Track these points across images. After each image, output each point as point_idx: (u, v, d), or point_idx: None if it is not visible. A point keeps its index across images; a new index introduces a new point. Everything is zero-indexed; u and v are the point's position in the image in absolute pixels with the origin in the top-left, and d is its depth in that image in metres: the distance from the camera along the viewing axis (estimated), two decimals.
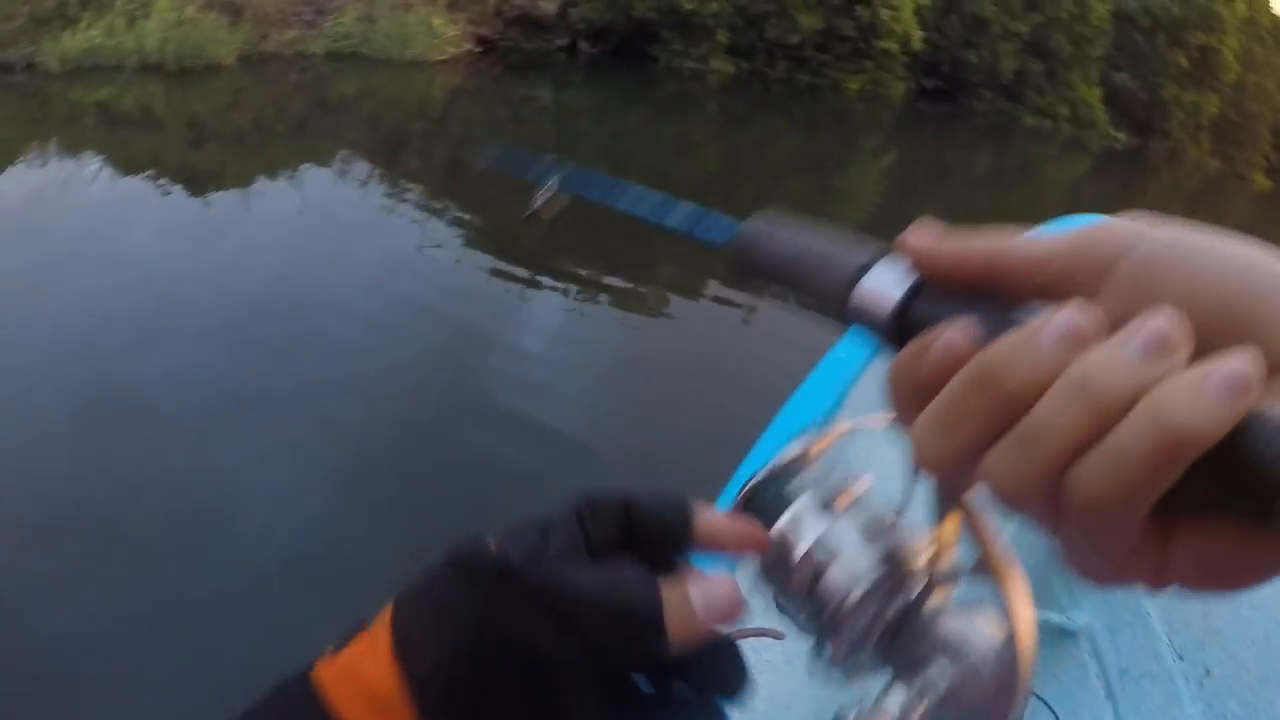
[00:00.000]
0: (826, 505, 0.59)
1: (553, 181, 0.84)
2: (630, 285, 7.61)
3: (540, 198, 0.83)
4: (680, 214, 0.65)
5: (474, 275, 7.45)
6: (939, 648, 0.57)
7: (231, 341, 5.77)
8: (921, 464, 0.38)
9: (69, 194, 8.89)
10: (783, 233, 0.53)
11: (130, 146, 10.95)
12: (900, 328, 0.43)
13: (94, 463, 4.39)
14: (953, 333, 0.38)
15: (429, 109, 15.08)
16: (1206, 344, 0.33)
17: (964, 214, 14.26)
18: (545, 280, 7.34)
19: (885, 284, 0.44)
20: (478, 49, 18.68)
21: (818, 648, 0.58)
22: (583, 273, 7.71)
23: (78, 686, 3.14)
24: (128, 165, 9.98)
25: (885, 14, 22.55)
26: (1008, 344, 0.35)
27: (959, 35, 26.09)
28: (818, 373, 2.07)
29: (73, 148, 10.53)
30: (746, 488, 0.63)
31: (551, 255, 8.00)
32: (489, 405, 5.17)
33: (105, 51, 13.70)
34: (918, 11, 23.50)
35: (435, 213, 9.06)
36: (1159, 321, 0.33)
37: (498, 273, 7.49)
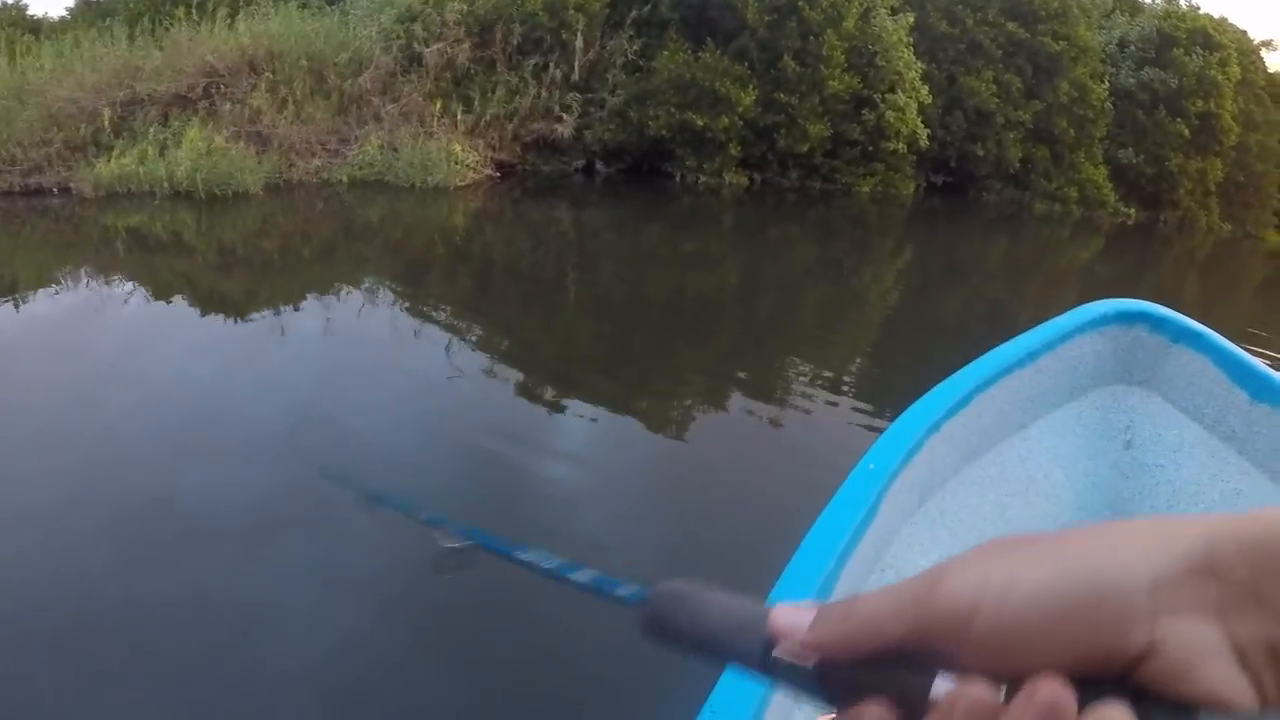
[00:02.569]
0: None
1: (457, 534, 0.82)
2: (655, 406, 7.61)
3: (450, 549, 0.84)
4: (586, 575, 0.65)
5: (500, 393, 7.44)
6: None
7: (262, 460, 5.80)
8: None
9: (102, 315, 9.01)
10: (689, 603, 0.56)
11: (162, 270, 11.13)
12: (823, 692, 0.49)
13: (127, 575, 4.40)
14: (873, 715, 0.46)
15: (451, 234, 15.22)
16: (1080, 659, 0.42)
17: (984, 305, 14.34)
18: (571, 402, 7.37)
19: (796, 655, 0.50)
20: (497, 174, 18.98)
21: None
22: (608, 388, 7.76)
23: None
24: (159, 289, 10.15)
25: (891, 116, 22.90)
26: None
27: (964, 130, 26.41)
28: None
29: (105, 270, 10.72)
30: None
31: (575, 376, 8.09)
32: (524, 523, 5.16)
33: (137, 178, 14.00)
34: (921, 110, 23.81)
35: (461, 334, 9.15)
36: (1041, 700, 0.40)
37: (524, 390, 7.53)
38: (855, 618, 0.48)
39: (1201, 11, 32.58)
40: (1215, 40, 30.85)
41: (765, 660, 0.50)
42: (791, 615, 0.50)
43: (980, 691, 0.43)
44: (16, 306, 9.18)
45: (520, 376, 7.87)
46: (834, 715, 0.49)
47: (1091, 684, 0.41)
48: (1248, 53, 32.49)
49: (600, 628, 3.79)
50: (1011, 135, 27.20)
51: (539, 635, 4.08)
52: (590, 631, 3.91)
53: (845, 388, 8.26)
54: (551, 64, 20.04)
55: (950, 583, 0.46)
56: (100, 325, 8.65)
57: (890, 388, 8.52)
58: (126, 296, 9.68)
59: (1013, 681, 0.42)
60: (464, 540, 0.81)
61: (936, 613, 0.45)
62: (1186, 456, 3.17)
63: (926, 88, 24.22)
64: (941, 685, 0.44)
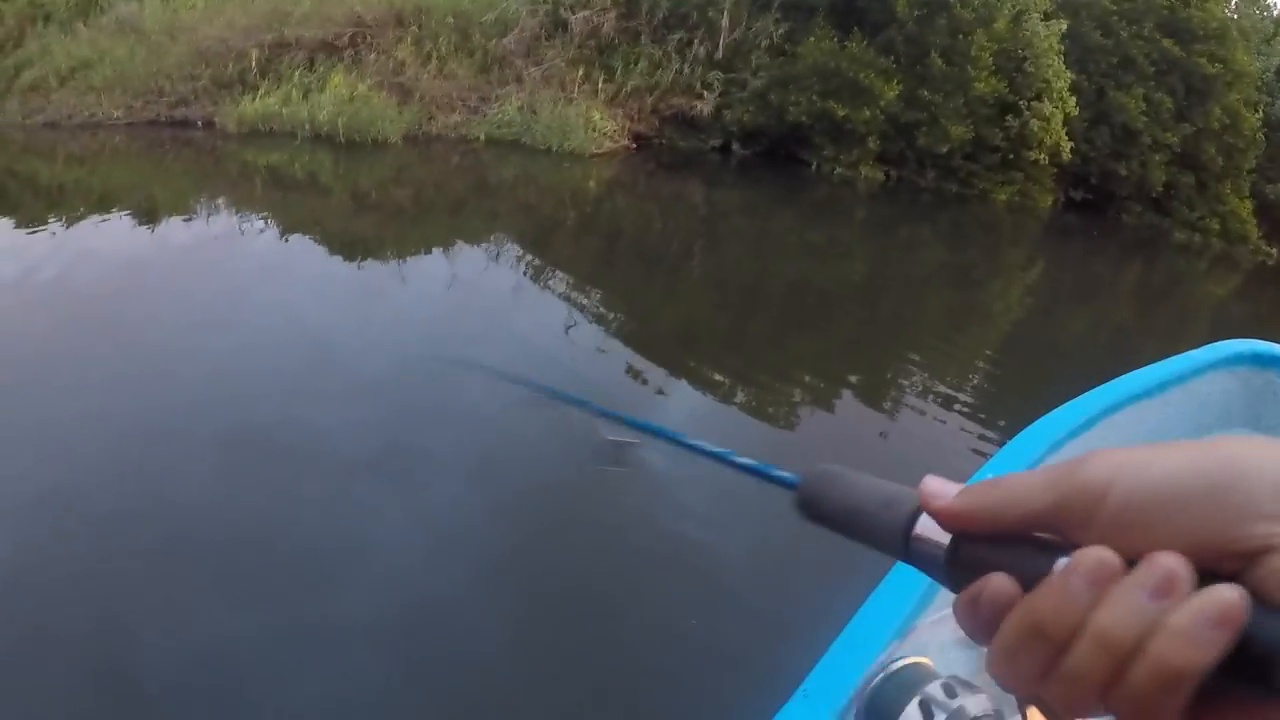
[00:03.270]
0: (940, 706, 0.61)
1: (624, 426, 0.85)
2: (766, 393, 7.45)
3: (613, 441, 0.84)
4: (746, 460, 0.68)
5: (608, 361, 7.36)
6: None
7: (373, 402, 5.80)
8: (997, 683, 0.48)
9: (235, 246, 9.14)
10: (839, 484, 0.59)
11: (295, 208, 11.23)
12: (952, 573, 0.52)
13: (228, 496, 4.50)
14: (995, 586, 0.48)
15: (582, 200, 15.16)
16: (1200, 545, 0.43)
17: (1110, 329, 13.91)
18: (680, 381, 7.22)
19: (932, 532, 0.52)
20: (633, 145, 18.87)
21: None
22: (718, 374, 7.59)
23: (189, 693, 3.31)
24: (291, 225, 10.23)
25: (1035, 125, 22.24)
26: (1044, 596, 0.46)
27: (1108, 146, 25.51)
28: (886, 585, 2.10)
29: (241, 204, 10.84)
30: (868, 688, 0.61)
31: (689, 355, 7.97)
32: (616, 498, 5.08)
33: (280, 118, 14.17)
34: (1067, 122, 23.08)
35: (580, 298, 9.05)
36: (1160, 568, 0.43)
37: (632, 362, 7.36)
38: (999, 490, 0.50)
39: None
40: None
41: (905, 540, 0.53)
42: (940, 485, 0.53)
43: (1103, 553, 0.44)
44: (154, 229, 9.32)
45: (632, 348, 7.74)
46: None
47: (1205, 574, 0.43)
48: None
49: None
50: (1157, 157, 26.30)
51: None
52: None
53: (958, 404, 7.92)
54: (696, 40, 19.79)
55: (1092, 461, 0.48)
56: (230, 256, 8.76)
57: (1004, 408, 8.16)
58: (258, 231, 9.78)
59: (1134, 561, 0.44)
60: (637, 432, 0.85)
61: (1075, 485, 0.47)
62: None
63: (1074, 99, 23.37)
64: (1063, 565, 0.46)
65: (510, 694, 3.46)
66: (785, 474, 0.63)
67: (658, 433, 0.82)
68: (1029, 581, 0.47)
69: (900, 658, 1.94)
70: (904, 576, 2.08)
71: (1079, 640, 0.44)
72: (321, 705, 3.31)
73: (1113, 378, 2.94)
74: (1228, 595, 0.41)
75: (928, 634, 2.08)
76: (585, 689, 3.52)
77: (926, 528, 0.52)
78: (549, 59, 18.36)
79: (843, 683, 1.78)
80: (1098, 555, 0.44)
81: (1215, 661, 0.40)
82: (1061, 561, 0.46)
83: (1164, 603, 0.42)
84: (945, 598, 2.03)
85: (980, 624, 0.49)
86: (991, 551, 0.50)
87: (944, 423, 7.37)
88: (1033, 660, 0.46)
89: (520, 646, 3.70)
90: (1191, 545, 0.43)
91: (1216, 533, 0.43)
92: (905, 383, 8.32)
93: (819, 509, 0.59)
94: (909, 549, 0.53)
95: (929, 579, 0.55)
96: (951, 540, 0.51)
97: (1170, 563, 0.42)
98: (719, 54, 20.04)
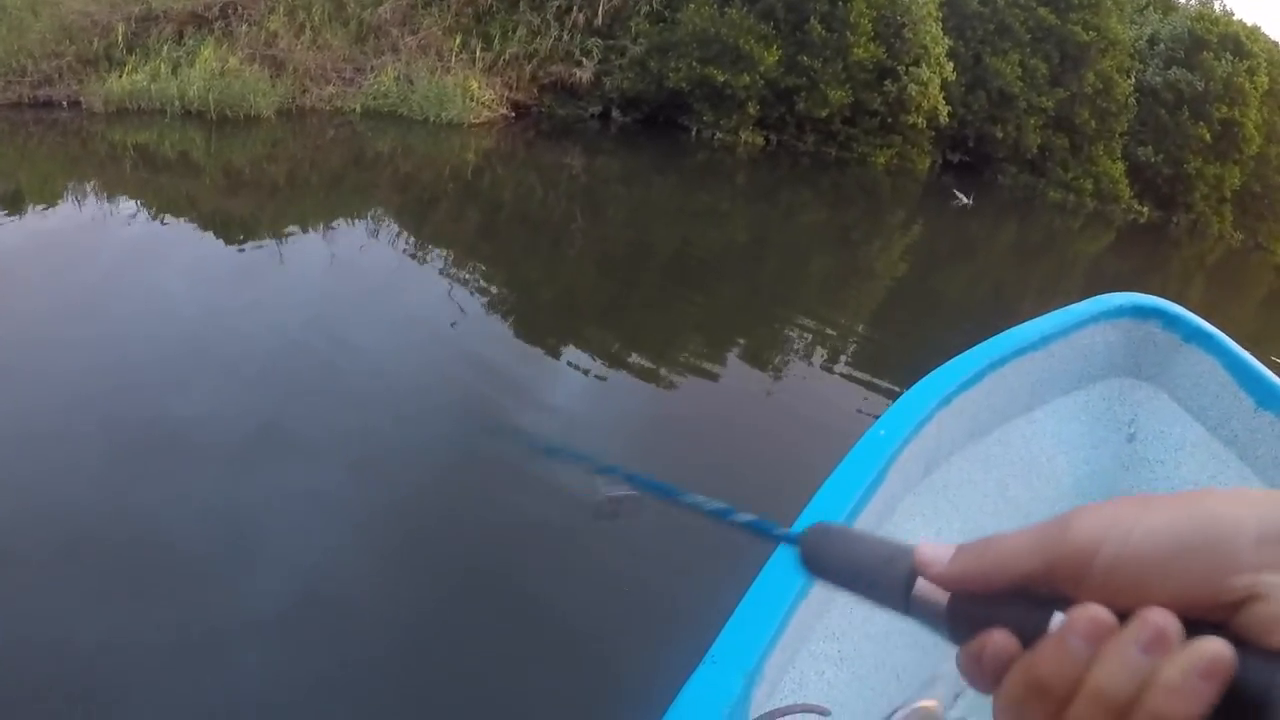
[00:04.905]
0: None
1: (621, 480, 0.87)
2: (652, 360, 7.57)
3: (611, 497, 0.88)
4: (745, 517, 0.70)
5: (497, 339, 7.44)
6: None
7: (256, 384, 5.80)
8: None
9: (105, 231, 8.98)
10: (838, 541, 0.62)
11: (167, 190, 11.06)
12: (953, 629, 0.54)
13: (120, 491, 4.46)
14: (996, 643, 0.51)
15: (462, 171, 15.15)
16: (1187, 598, 0.46)
17: (989, 287, 14.34)
18: (567, 350, 7.37)
19: (931, 591, 0.55)
20: (512, 114, 18.81)
21: None
22: (605, 345, 7.71)
23: (91, 695, 3.27)
24: (164, 207, 10.09)
25: (914, 90, 22.63)
26: (1044, 656, 0.48)
27: (985, 110, 26.20)
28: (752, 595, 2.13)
29: (111, 187, 10.64)
30: None
31: (573, 325, 8.04)
32: (508, 466, 5.16)
33: (149, 95, 13.83)
34: (944, 87, 23.56)
35: (462, 270, 9.13)
36: (1150, 624, 0.45)
37: (520, 338, 7.52)
38: (991, 553, 0.53)
39: (1235, 18, 32.12)
40: (1246, 48, 30.45)
41: (905, 596, 0.56)
42: (933, 551, 0.56)
43: (1098, 611, 0.47)
44: (19, 217, 9.13)
45: (517, 318, 7.89)
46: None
47: (1193, 624, 0.45)
48: (1278, 64, 32.06)
49: None
50: (1032, 120, 27.02)
51: None
52: None
53: (845, 357, 8.22)
54: (575, 7, 19.81)
55: (1081, 520, 0.51)
56: (101, 242, 8.61)
57: (890, 361, 8.48)
58: (130, 215, 9.62)
59: (1124, 615, 0.47)
60: (634, 488, 0.86)
61: (1066, 546, 0.50)
62: (1187, 456, 3.17)
63: (951, 64, 23.89)
64: (1059, 620, 0.49)
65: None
66: (783, 531, 0.67)
67: (655, 488, 0.82)
68: (1027, 637, 0.50)
69: (905, 704, 2.05)
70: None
71: (1079, 696, 0.47)
72: (218, 705, 3.34)
73: (995, 333, 3.02)
74: (1214, 648, 0.43)
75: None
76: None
77: (925, 587, 0.55)
78: (425, 27, 18.22)
79: (749, 646, 1.80)
80: (1091, 614, 0.47)
81: (1208, 710, 0.43)
82: (1058, 617, 0.49)
83: (1156, 657, 0.45)
84: None
85: (983, 677, 0.52)
86: (989, 608, 0.53)
87: (831, 381, 7.62)
88: (1038, 715, 0.49)
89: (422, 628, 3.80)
90: (1179, 598, 0.46)
91: (1202, 586, 0.46)
92: (791, 344, 8.59)
93: (821, 566, 0.62)
94: (910, 606, 0.56)
95: None
96: (950, 598, 0.54)
97: (1159, 619, 0.45)
98: (599, 21, 20.06)
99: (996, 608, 0.52)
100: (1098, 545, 0.49)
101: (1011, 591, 0.52)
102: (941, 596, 0.54)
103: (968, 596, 0.54)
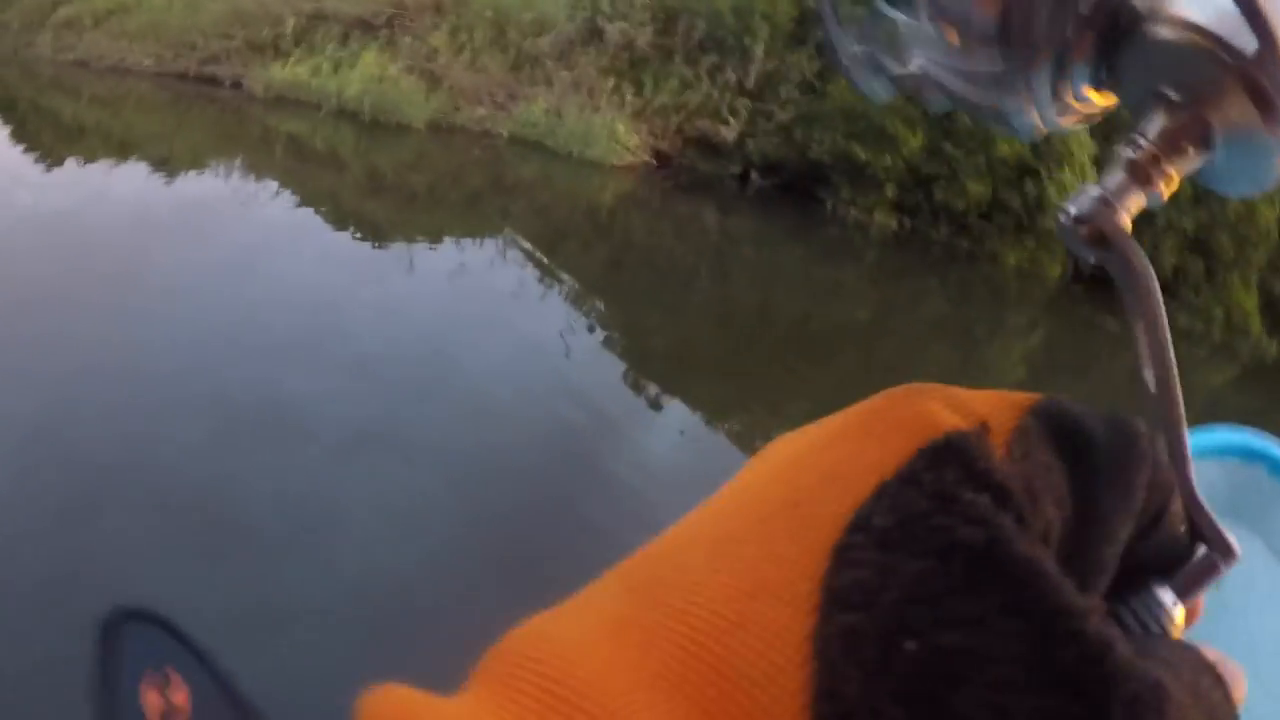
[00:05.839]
0: None
1: None
2: (755, 425, 7.38)
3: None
4: None
5: (606, 381, 7.27)
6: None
7: (365, 382, 5.83)
8: None
9: (246, 208, 9.14)
10: None
11: (311, 180, 11.22)
12: None
13: (224, 462, 4.48)
14: None
15: (597, 210, 15.16)
16: None
17: (1103, 406, 13.98)
18: (672, 403, 7.21)
19: None
20: (654, 162, 18.88)
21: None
22: (711, 403, 7.48)
23: None
24: (305, 197, 10.22)
25: (1054, 192, 22.38)
26: None
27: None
28: None
29: (258, 168, 10.84)
30: None
31: (683, 378, 7.94)
32: (604, 493, 5.10)
33: (308, 88, 14.14)
34: None
35: (582, 305, 9.04)
36: None
37: (628, 383, 7.34)
38: None
39: None
40: None
41: None
42: None
43: None
44: (169, 182, 9.31)
45: (629, 363, 7.75)
46: None
47: None
48: None
49: None
50: (1170, 240, 26.52)
51: None
52: None
53: None
54: (728, 67, 19.90)
55: None
56: (240, 218, 8.74)
57: None
58: (271, 196, 9.77)
59: None
60: None
61: None
62: (1274, 609, 2.99)
63: (1098, 172, 23.59)
64: None
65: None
66: None
67: None
68: None
69: None
70: None
71: None
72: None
73: None
74: None
75: None
76: None
77: None
78: (581, 65, 18.34)
79: None
80: None
81: None
82: None
83: None
84: None
85: None
86: None
87: None
88: None
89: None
90: None
91: None
92: None
93: None
94: None
95: None
96: None
97: None
98: (750, 82, 20.03)
99: None
100: None
101: None
102: None
103: None
